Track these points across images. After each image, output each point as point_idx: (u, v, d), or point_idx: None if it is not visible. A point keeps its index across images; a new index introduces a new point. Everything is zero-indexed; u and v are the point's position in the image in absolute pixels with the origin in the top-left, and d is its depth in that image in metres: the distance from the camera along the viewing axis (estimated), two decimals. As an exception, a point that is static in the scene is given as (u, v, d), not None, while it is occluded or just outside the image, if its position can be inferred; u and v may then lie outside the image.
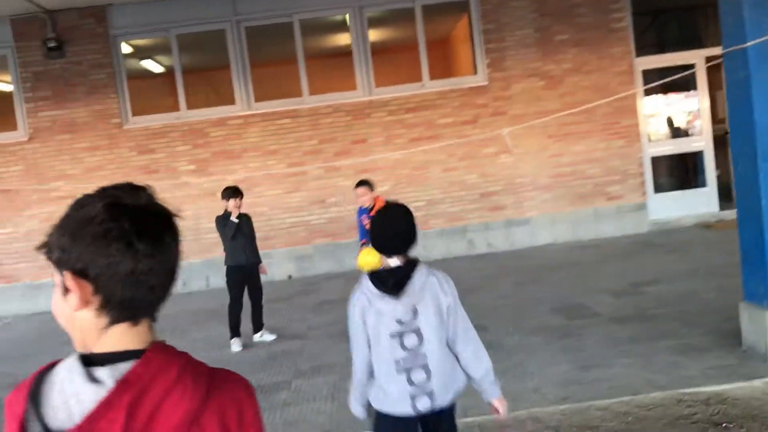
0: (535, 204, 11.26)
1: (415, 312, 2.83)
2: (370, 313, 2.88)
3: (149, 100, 11.19)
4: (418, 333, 2.84)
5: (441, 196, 11.17)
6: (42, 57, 10.66)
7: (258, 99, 11.05)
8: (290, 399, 5.35)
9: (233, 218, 7.04)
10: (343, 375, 5.70)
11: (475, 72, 11.23)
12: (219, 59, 11.25)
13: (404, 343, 2.84)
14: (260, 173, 10.95)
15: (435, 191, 11.18)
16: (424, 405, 2.84)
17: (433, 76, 11.19)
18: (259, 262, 7.30)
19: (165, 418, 1.16)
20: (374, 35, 11.29)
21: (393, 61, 11.78)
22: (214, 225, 10.72)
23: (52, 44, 10.48)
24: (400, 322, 2.83)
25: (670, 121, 11.78)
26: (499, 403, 2.99)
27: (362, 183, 7.60)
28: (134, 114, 10.96)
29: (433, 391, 2.84)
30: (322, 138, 11.00)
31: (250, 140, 10.97)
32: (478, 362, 2.92)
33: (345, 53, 11.14)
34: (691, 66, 10.63)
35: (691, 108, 11.54)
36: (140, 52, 11.41)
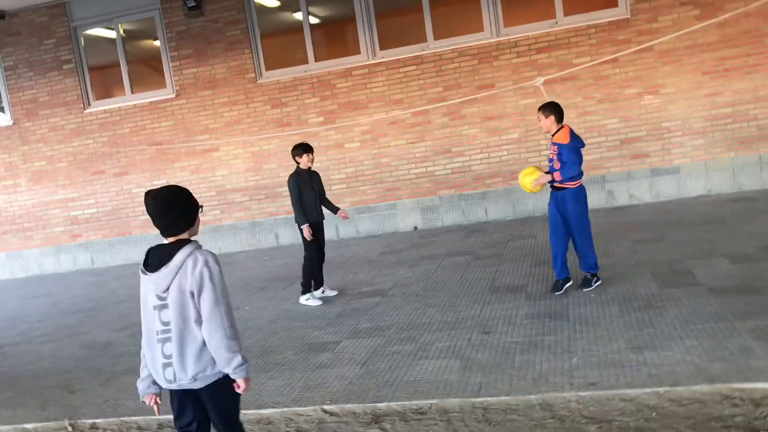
0: (684, 151, 10.01)
1: (167, 289, 3.02)
2: (142, 285, 3.14)
3: (280, 55, 11.42)
4: (170, 309, 3.03)
5: (576, 143, 10.29)
6: (183, 17, 11.28)
7: (383, 47, 10.85)
8: (327, 361, 5.29)
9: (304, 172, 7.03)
10: (390, 339, 5.55)
11: (616, 4, 10.07)
12: (344, 10, 11.15)
13: (161, 317, 3.05)
14: (385, 123, 10.83)
15: (569, 138, 10.32)
16: (169, 377, 3.06)
17: (567, 11, 10.22)
18: (323, 219, 7.22)
19: None
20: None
21: (523, -2, 10.91)
22: (342, 176, 10.96)
23: (191, 3, 11.02)
24: (159, 297, 3.05)
25: None
26: (242, 384, 3.09)
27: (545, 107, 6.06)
28: (267, 69, 11.28)
29: (174, 367, 3.03)
30: (446, 84, 10.58)
31: (375, 90, 10.84)
32: (218, 350, 2.99)
33: (471, -7, 10.51)
34: None
35: None
36: (271, 8, 11.63)
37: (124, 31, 11.88)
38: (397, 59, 10.73)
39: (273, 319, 6.83)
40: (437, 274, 7.65)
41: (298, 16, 11.12)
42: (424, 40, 10.69)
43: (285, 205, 11.20)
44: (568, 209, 6.01)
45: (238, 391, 3.10)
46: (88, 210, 12.16)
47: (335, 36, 11.65)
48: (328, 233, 11.09)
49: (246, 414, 4.50)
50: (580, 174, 5.96)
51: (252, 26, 11.19)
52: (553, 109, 6.01)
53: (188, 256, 3.01)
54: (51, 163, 12.12)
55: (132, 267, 11.67)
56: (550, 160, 6.08)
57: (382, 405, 4.34)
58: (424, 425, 4.07)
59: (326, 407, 4.42)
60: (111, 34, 11.81)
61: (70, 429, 4.81)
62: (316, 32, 11.18)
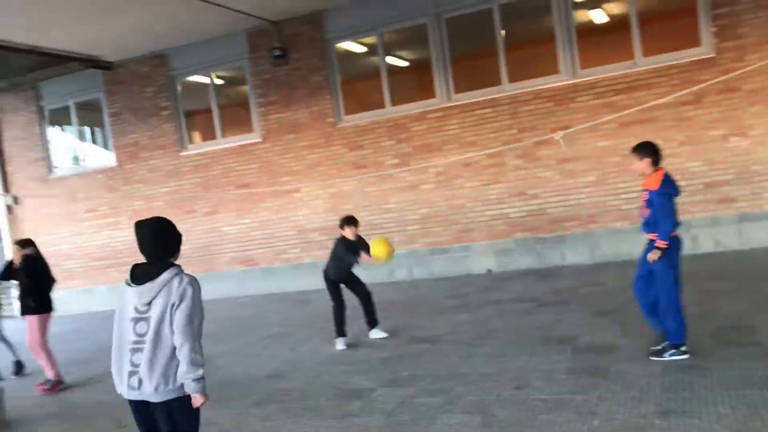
0: (776, 195, 9.40)
1: (149, 303, 3.29)
2: (124, 297, 3.41)
3: (359, 100, 11.74)
4: (148, 322, 3.28)
5: (657, 186, 9.89)
6: (269, 65, 11.83)
7: (458, 91, 10.92)
8: (356, 410, 5.32)
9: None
10: (422, 389, 5.53)
11: (699, 43, 9.68)
12: (420, 54, 11.35)
13: (137, 329, 3.30)
14: (459, 165, 10.85)
15: (649, 181, 9.94)
16: (133, 384, 3.28)
17: (647, 52, 9.91)
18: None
19: None
20: (579, 15, 10.36)
21: (600, 40, 10.68)
22: (416, 216, 11.04)
23: (277, 53, 11.58)
24: (138, 310, 3.31)
25: None
26: (198, 398, 3.33)
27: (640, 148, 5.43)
28: (346, 113, 11.61)
29: (140, 375, 3.27)
30: (521, 127, 10.49)
31: (450, 132, 10.90)
32: (186, 358, 3.24)
33: (547, 37, 10.42)
34: None
35: None
36: (351, 54, 11.98)
37: (217, 78, 12.59)
38: (472, 102, 10.76)
39: (322, 361, 6.95)
40: (494, 321, 7.54)
41: (376, 60, 11.40)
42: (498, 83, 10.67)
43: (361, 245, 11.40)
44: (650, 265, 5.30)
45: (194, 404, 3.31)
46: (181, 247, 12.81)
47: (411, 80, 11.86)
48: (402, 273, 11.22)
49: (264, 459, 4.62)
50: (675, 225, 5.25)
51: (333, 73, 11.58)
52: (649, 150, 5.30)
53: (175, 275, 3.35)
54: (148, 203, 12.93)
55: (217, 302, 12.19)
56: (640, 207, 5.47)
57: (392, 459, 4.33)
58: (426, 483, 4.03)
59: (339, 457, 4.46)
60: (205, 80, 12.53)
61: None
62: (393, 77, 11.41)
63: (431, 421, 4.83)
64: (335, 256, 7.49)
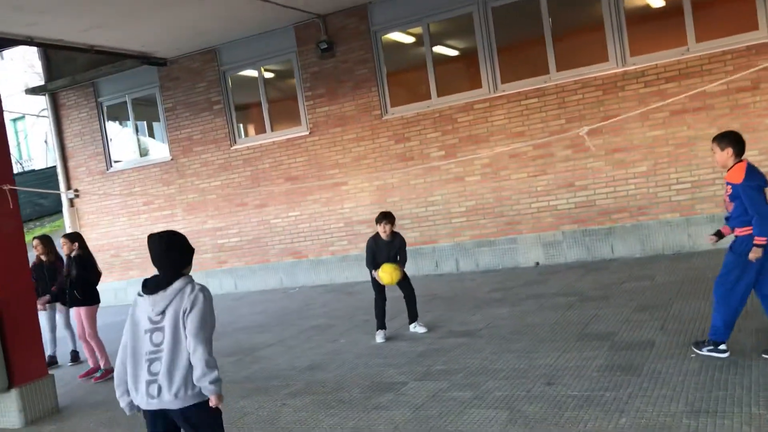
0: (838, 185, 8.95)
1: (162, 311, 3.36)
2: (137, 309, 3.46)
3: (405, 91, 11.71)
4: (162, 331, 3.35)
5: (711, 176, 9.59)
6: (317, 58, 11.93)
7: (504, 80, 10.78)
8: (386, 402, 5.36)
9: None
10: (454, 384, 5.53)
11: (756, 26, 9.29)
12: (467, 44, 11.24)
13: (153, 339, 3.37)
14: (505, 157, 10.73)
15: (703, 171, 9.65)
16: (153, 393, 3.32)
17: (700, 38, 9.57)
18: None
19: None
20: (629, 0, 10.06)
21: (650, 26, 10.34)
22: (462, 209, 11.03)
23: (324, 46, 11.67)
24: (152, 320, 3.38)
25: None
26: (214, 399, 3.36)
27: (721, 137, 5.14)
28: (392, 105, 11.61)
29: (159, 383, 3.32)
30: (569, 116, 10.29)
31: (496, 123, 10.79)
32: (200, 362, 3.28)
33: (596, 24, 10.17)
34: None
35: None
36: (397, 45, 11.95)
37: (266, 71, 12.77)
38: (519, 92, 10.61)
39: (361, 354, 7.01)
40: (533, 315, 7.44)
41: (422, 51, 11.34)
42: (546, 72, 10.49)
43: (407, 237, 11.30)
44: (727, 255, 5.11)
45: (212, 404, 3.35)
46: (233, 239, 13.12)
47: (457, 70, 11.75)
48: (449, 266, 11.19)
49: (291, 450, 4.71)
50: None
51: (379, 65, 11.59)
52: (730, 139, 5.01)
53: (186, 284, 3.40)
54: (202, 195, 13.25)
55: (268, 293, 12.43)
56: (725, 201, 5.17)
57: (414, 453, 4.35)
58: (445, 478, 4.03)
59: (363, 450, 4.51)
60: (255, 74, 12.73)
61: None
62: (439, 67, 11.33)
63: (458, 415, 4.82)
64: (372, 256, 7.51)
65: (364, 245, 11.72)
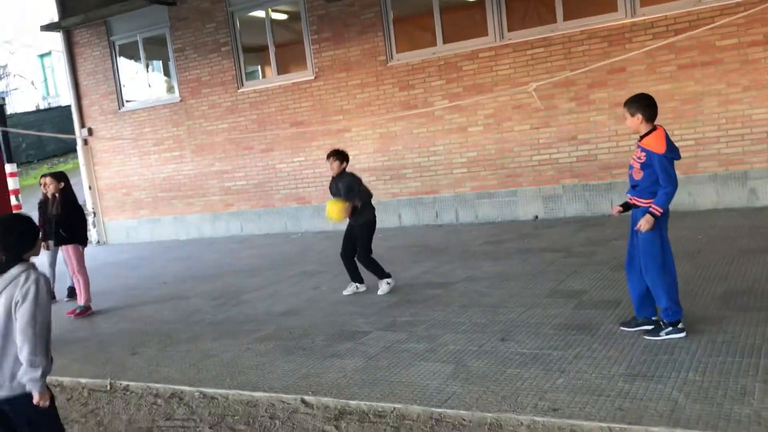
0: None
1: None
2: None
3: (410, 38, 11.49)
4: None
5: (715, 134, 9.32)
6: (324, 1, 11.73)
7: (510, 29, 10.51)
8: (343, 351, 5.42)
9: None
10: (412, 335, 5.56)
11: (773, -23, 8.85)
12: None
13: None
14: (509, 107, 10.53)
15: (708, 128, 9.38)
16: None
17: (713, -13, 9.18)
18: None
19: None
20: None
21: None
22: (463, 160, 10.92)
23: (330, -13, 11.45)
24: None
25: None
26: (37, 396, 3.22)
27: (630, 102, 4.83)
28: (398, 51, 11.42)
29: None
30: (574, 68, 10.01)
31: (501, 72, 10.56)
32: (25, 360, 3.17)
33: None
34: None
35: None
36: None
37: (273, 12, 12.60)
38: (525, 41, 10.34)
39: (337, 301, 7.08)
40: (514, 269, 7.41)
41: (430, -3, 11.07)
42: (553, 20, 10.19)
43: (409, 186, 11.39)
44: (639, 233, 4.79)
45: (35, 402, 3.23)
46: (239, 182, 13.20)
47: (464, 17, 11.46)
48: (448, 216, 11.16)
49: (240, 394, 4.82)
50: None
51: (385, 9, 11.35)
52: (641, 104, 4.68)
53: (23, 271, 3.23)
54: (210, 138, 13.31)
55: (271, 237, 12.56)
56: (631, 167, 4.81)
57: (353, 403, 4.41)
58: (374, 429, 4.09)
59: (306, 398, 4.59)
60: (262, 15, 12.57)
61: (108, 388, 5.44)
62: (446, 14, 11.07)
63: (405, 367, 4.86)
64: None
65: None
